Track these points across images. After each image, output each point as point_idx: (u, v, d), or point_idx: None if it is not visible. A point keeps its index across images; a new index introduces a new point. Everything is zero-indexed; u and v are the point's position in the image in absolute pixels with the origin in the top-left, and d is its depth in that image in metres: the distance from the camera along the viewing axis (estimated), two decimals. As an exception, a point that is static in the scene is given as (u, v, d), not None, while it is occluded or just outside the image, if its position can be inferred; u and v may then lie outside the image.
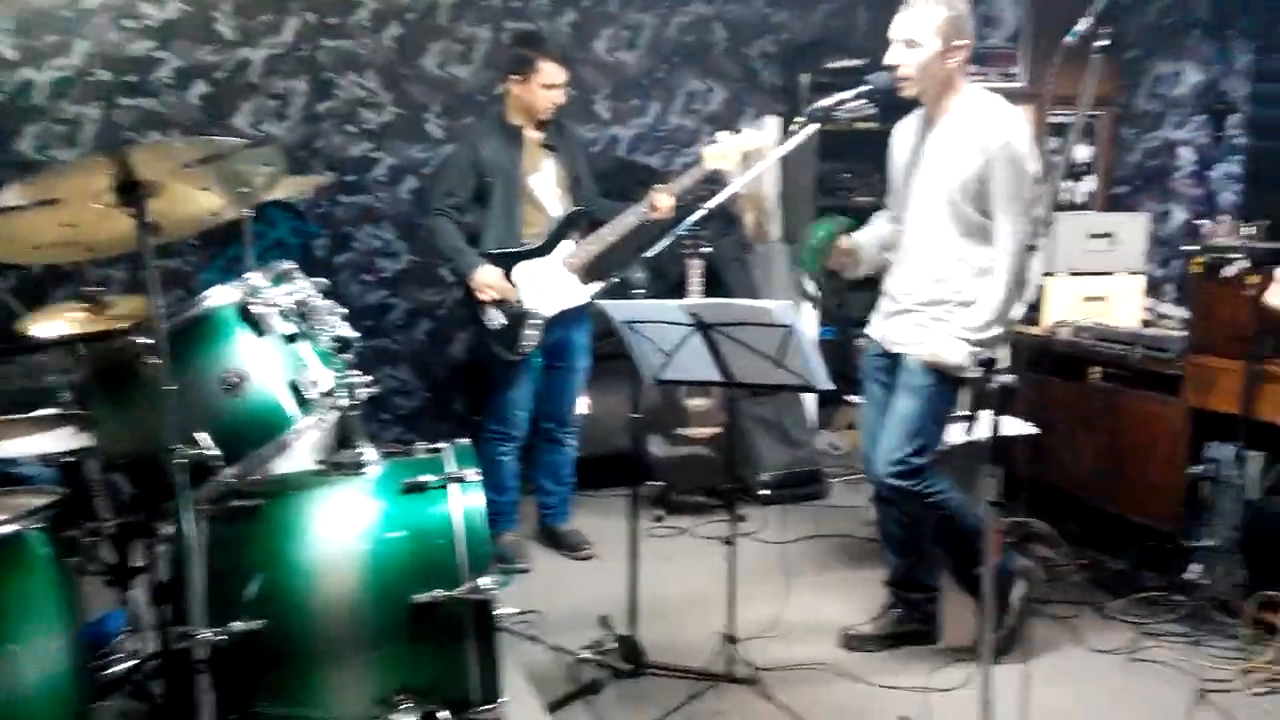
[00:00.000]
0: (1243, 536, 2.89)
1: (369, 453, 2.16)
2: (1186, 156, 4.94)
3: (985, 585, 1.95)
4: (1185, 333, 3.28)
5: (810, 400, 4.57)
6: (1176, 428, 3.16)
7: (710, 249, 3.64)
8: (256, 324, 2.08)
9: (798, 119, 2.72)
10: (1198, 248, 3.22)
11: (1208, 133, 4.86)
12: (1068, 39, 1.77)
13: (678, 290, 3.76)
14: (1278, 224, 3.19)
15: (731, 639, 2.65)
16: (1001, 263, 2.54)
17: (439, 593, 1.97)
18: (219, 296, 2.08)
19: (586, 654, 2.70)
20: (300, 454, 2.23)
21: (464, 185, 3.40)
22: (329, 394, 2.11)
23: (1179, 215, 4.92)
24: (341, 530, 2.02)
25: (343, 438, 2.25)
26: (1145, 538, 3.30)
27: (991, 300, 2.55)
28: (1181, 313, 3.78)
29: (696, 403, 4.03)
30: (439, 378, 4.85)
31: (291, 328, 2.13)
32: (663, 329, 2.51)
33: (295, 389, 2.08)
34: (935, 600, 2.90)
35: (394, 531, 2.04)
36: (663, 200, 3.37)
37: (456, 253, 3.38)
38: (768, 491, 4.16)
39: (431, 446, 2.29)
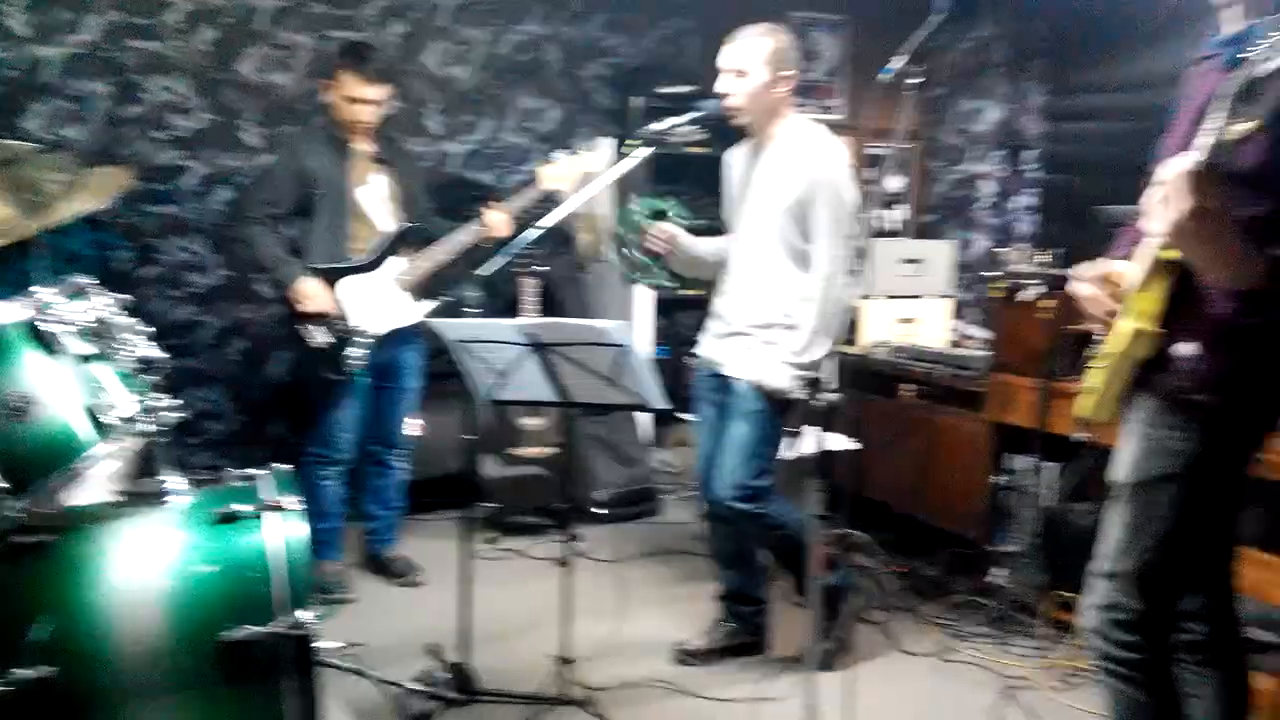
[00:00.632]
0: (1039, 541, 3.11)
1: (175, 481, 2.00)
2: (987, 189, 5.32)
3: (811, 594, 2.01)
4: (987, 353, 3.51)
5: (644, 418, 4.61)
6: (980, 441, 3.37)
7: (544, 268, 3.62)
8: (47, 343, 1.91)
9: (631, 141, 2.75)
10: (998, 274, 3.45)
11: (1006, 167, 5.25)
12: (883, 76, 1.86)
13: (512, 309, 3.72)
14: (1069, 252, 3.47)
15: (565, 661, 2.62)
16: (819, 287, 2.64)
17: (251, 629, 1.84)
18: (4, 313, 1.90)
19: (415, 685, 2.60)
20: (96, 484, 2.05)
21: (286, 195, 3.24)
22: (130, 419, 1.96)
23: (981, 243, 5.29)
24: (143, 566, 1.86)
25: (146, 466, 2.09)
26: (954, 544, 3.51)
27: (810, 324, 2.65)
28: (984, 334, 4.05)
29: (531, 422, 3.99)
30: (255, 399, 4.60)
31: (88, 347, 1.96)
32: (497, 348, 2.47)
33: (91, 414, 1.91)
34: (764, 612, 2.98)
35: (203, 565, 1.90)
36: (496, 218, 3.32)
37: (276, 262, 3.21)
38: (603, 510, 4.16)
39: (246, 473, 2.15)
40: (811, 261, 2.67)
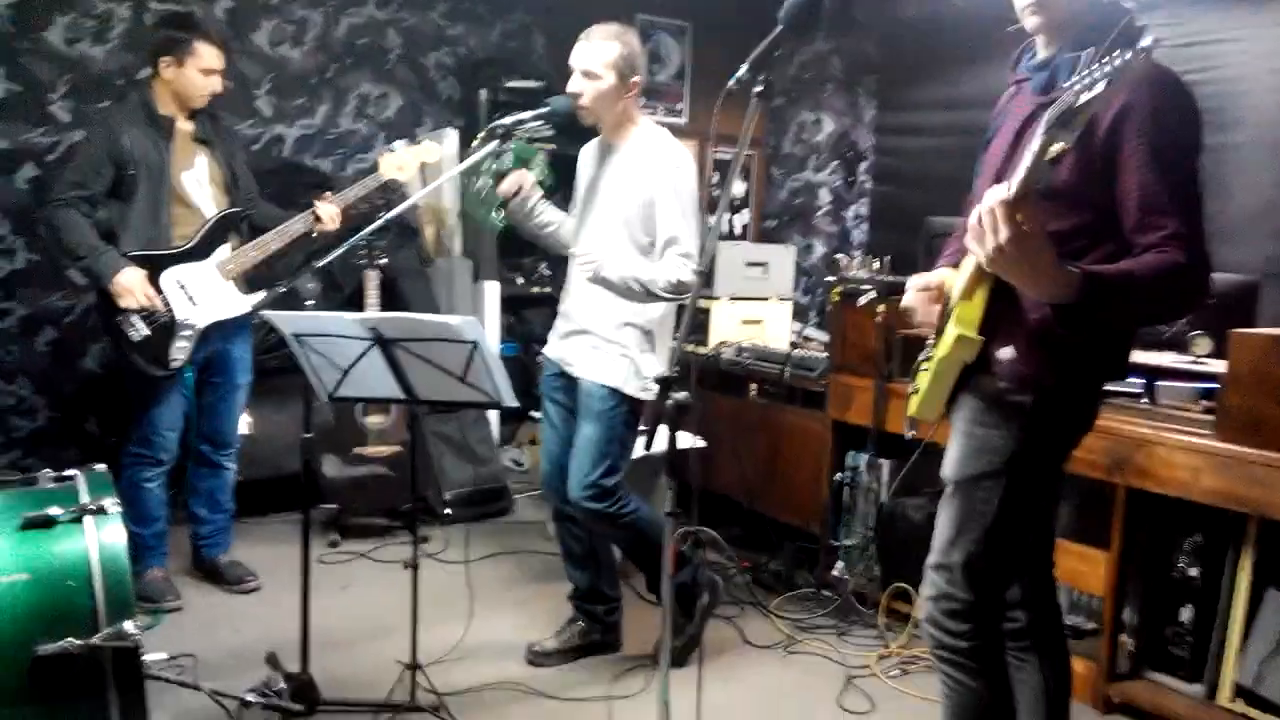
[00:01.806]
0: (876, 535, 3.26)
1: (-22, 484, 1.82)
2: (825, 197, 5.53)
3: (665, 592, 2.02)
4: (827, 354, 3.65)
5: (493, 416, 4.55)
6: (822, 439, 3.50)
7: (387, 260, 3.50)
8: None
9: (480, 135, 2.70)
10: (835, 279, 3.59)
11: (842, 177, 5.48)
12: (730, 84, 1.90)
13: (353, 303, 3.58)
14: (898, 259, 3.65)
15: (414, 666, 2.54)
16: (675, 264, 2.62)
17: (70, 642, 1.70)
18: None
19: (251, 697, 2.45)
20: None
21: (99, 176, 3.00)
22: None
23: (819, 248, 5.50)
24: (-57, 577, 1.69)
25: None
26: (798, 539, 3.63)
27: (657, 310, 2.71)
28: (824, 336, 4.21)
29: (375, 420, 3.85)
30: (66, 394, 4.24)
31: None
32: (338, 343, 2.36)
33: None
34: (616, 610, 2.98)
35: (12, 574, 1.74)
36: (327, 210, 3.18)
37: (90, 250, 2.96)
38: (451, 510, 4.07)
39: (60, 474, 1.98)
40: (663, 248, 2.68)
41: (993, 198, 1.54)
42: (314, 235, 3.20)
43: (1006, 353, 1.78)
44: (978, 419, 1.84)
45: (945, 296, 1.93)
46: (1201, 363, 2.73)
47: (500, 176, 2.76)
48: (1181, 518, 2.62)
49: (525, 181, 2.78)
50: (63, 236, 2.98)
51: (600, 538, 2.88)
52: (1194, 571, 2.62)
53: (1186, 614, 2.64)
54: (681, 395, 2.00)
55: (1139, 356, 2.69)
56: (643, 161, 2.68)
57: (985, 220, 1.55)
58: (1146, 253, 1.62)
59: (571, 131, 2.89)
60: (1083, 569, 2.72)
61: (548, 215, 2.86)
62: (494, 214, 2.81)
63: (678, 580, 2.79)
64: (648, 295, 2.63)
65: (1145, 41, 1.41)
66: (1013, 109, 1.88)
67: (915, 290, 1.98)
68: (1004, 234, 1.52)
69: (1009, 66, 1.94)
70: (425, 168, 3.55)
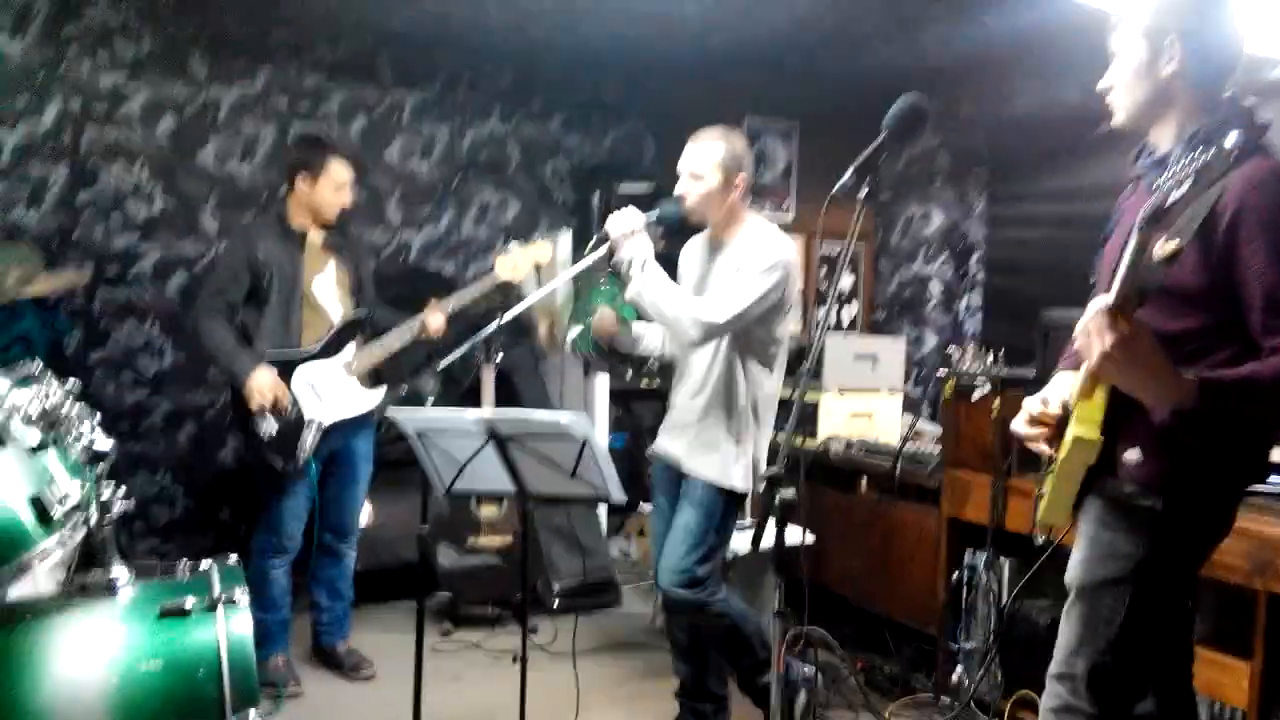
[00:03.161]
0: (998, 639, 3.11)
1: (120, 573, 1.94)
2: (935, 289, 5.47)
3: (773, 694, 1.98)
4: (940, 448, 3.57)
5: (602, 508, 4.58)
6: (936, 536, 3.40)
7: (503, 357, 3.62)
8: (-5, 431, 1.86)
9: (595, 239, 2.80)
10: (948, 371, 3.53)
11: (952, 268, 5.43)
12: (834, 192, 1.94)
13: (470, 398, 3.70)
14: (1013, 352, 3.57)
15: (521, 764, 2.54)
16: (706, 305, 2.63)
17: (198, 730, 1.77)
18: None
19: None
20: (40, 577, 1.97)
21: (237, 284, 3.23)
22: (77, 509, 1.90)
23: (931, 339, 5.41)
24: (86, 663, 1.79)
25: (89, 556, 2.02)
26: (913, 640, 3.49)
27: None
28: (936, 429, 4.11)
29: (487, 511, 3.94)
30: (203, 485, 4.49)
31: (37, 436, 1.91)
32: (455, 439, 2.46)
33: (38, 505, 1.85)
34: (723, 711, 2.92)
35: (148, 662, 1.83)
36: (434, 320, 3.34)
37: (228, 355, 3.18)
38: (561, 601, 4.09)
39: (195, 565, 2.09)
40: (770, 360, 2.72)
41: (1095, 305, 1.52)
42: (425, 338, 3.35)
43: (1133, 455, 1.71)
44: (1104, 522, 1.78)
45: (1054, 421, 1.88)
46: (1347, 460, 2.56)
47: (595, 333, 2.91)
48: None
49: (613, 323, 2.89)
50: (205, 340, 3.22)
51: (700, 630, 2.85)
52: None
53: (1343, 732, 2.42)
54: (789, 492, 1.99)
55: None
56: (754, 255, 2.73)
57: (1091, 326, 1.52)
58: (1274, 355, 1.56)
59: (682, 234, 2.97)
60: (1223, 680, 2.53)
61: (637, 331, 2.94)
62: (603, 356, 2.97)
63: (764, 681, 2.73)
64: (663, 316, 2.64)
65: (1230, 140, 1.39)
66: (1129, 206, 1.85)
67: (1027, 420, 1.91)
68: (1109, 340, 1.50)
69: (1129, 162, 1.92)
70: (540, 268, 3.69)
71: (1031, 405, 1.92)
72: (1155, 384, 1.54)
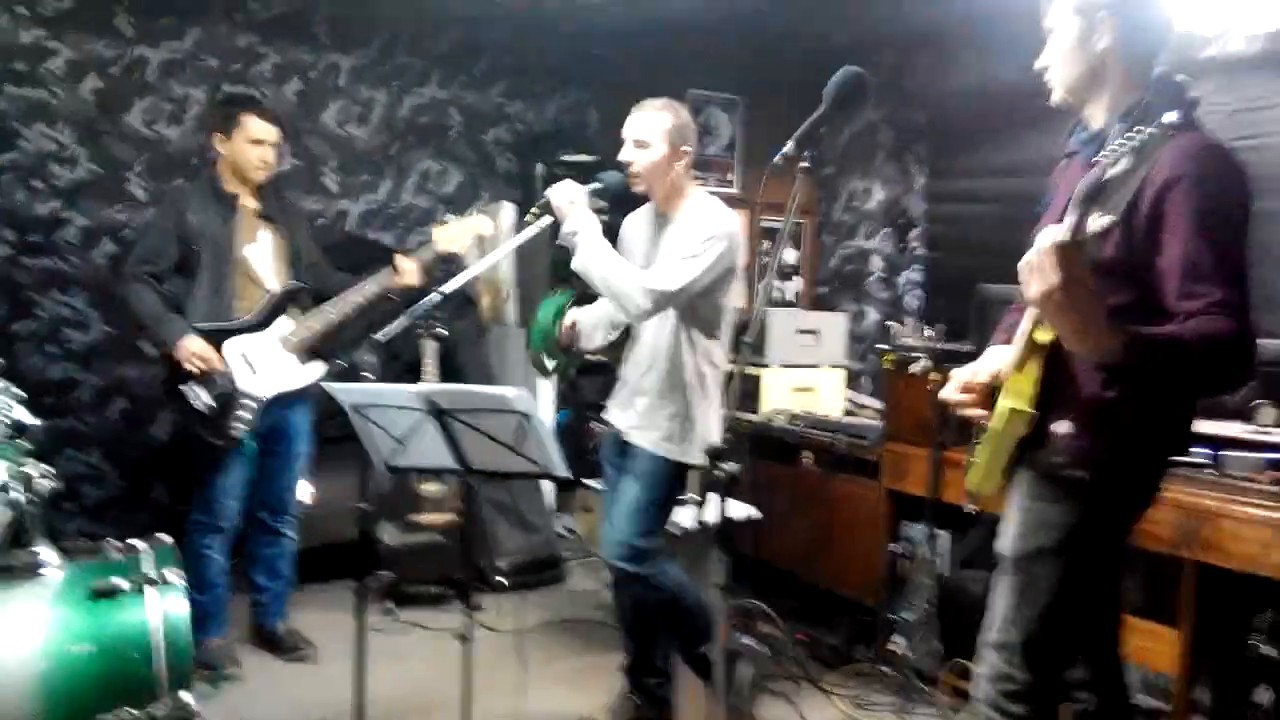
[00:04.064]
0: (936, 610, 3.18)
1: (48, 554, 1.88)
2: (877, 264, 5.52)
3: (716, 667, 2.00)
4: (881, 422, 3.62)
5: (547, 484, 4.56)
6: (877, 509, 3.45)
7: (445, 332, 3.57)
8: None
9: (534, 209, 2.76)
10: (889, 347, 3.58)
11: (893, 243, 5.48)
12: (775, 161, 1.93)
13: (411, 373, 3.64)
14: (953, 326, 3.63)
15: (464, 740, 2.53)
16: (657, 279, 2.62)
17: (130, 712, 1.73)
18: None
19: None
20: (-38, 558, 1.91)
21: (166, 252, 3.14)
22: (1, 488, 1.83)
23: (872, 315, 5.47)
24: (14, 645, 1.74)
25: (17, 536, 1.95)
26: (854, 612, 3.55)
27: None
28: (877, 404, 4.17)
29: (430, 489, 3.89)
30: (135, 462, 4.37)
31: (-44, 411, 1.84)
32: (395, 414, 2.42)
33: (-42, 482, 1.78)
34: (669, 684, 2.94)
35: (78, 645, 1.78)
36: (408, 265, 3.26)
37: (156, 320, 3.09)
38: (506, 579, 4.07)
39: (126, 545, 2.03)
40: (715, 328, 2.73)
41: (1047, 239, 1.53)
42: (373, 305, 3.28)
43: (1062, 427, 1.75)
44: (1034, 494, 1.81)
45: (985, 387, 1.91)
46: (1267, 432, 2.66)
47: (553, 336, 2.91)
48: (1256, 593, 2.52)
49: (569, 325, 2.90)
50: (132, 307, 3.12)
51: (646, 604, 2.86)
52: (1270, 650, 2.51)
53: (1264, 695, 2.52)
54: (732, 465, 2.00)
55: (1204, 426, 2.63)
56: (697, 229, 2.72)
57: (1039, 260, 1.54)
58: (1191, 319, 1.60)
59: (624, 204, 2.95)
60: (1152, 647, 2.62)
61: (595, 313, 2.94)
62: (574, 363, 2.99)
63: (705, 652, 2.76)
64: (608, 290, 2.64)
65: (1169, 117, 1.42)
66: (1064, 182, 1.88)
67: (959, 388, 1.95)
68: (1057, 277, 1.52)
69: (1064, 139, 1.95)
70: (482, 239, 3.64)
71: (962, 374, 1.96)
72: (1087, 332, 1.57)
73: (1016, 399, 1.76)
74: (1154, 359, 1.60)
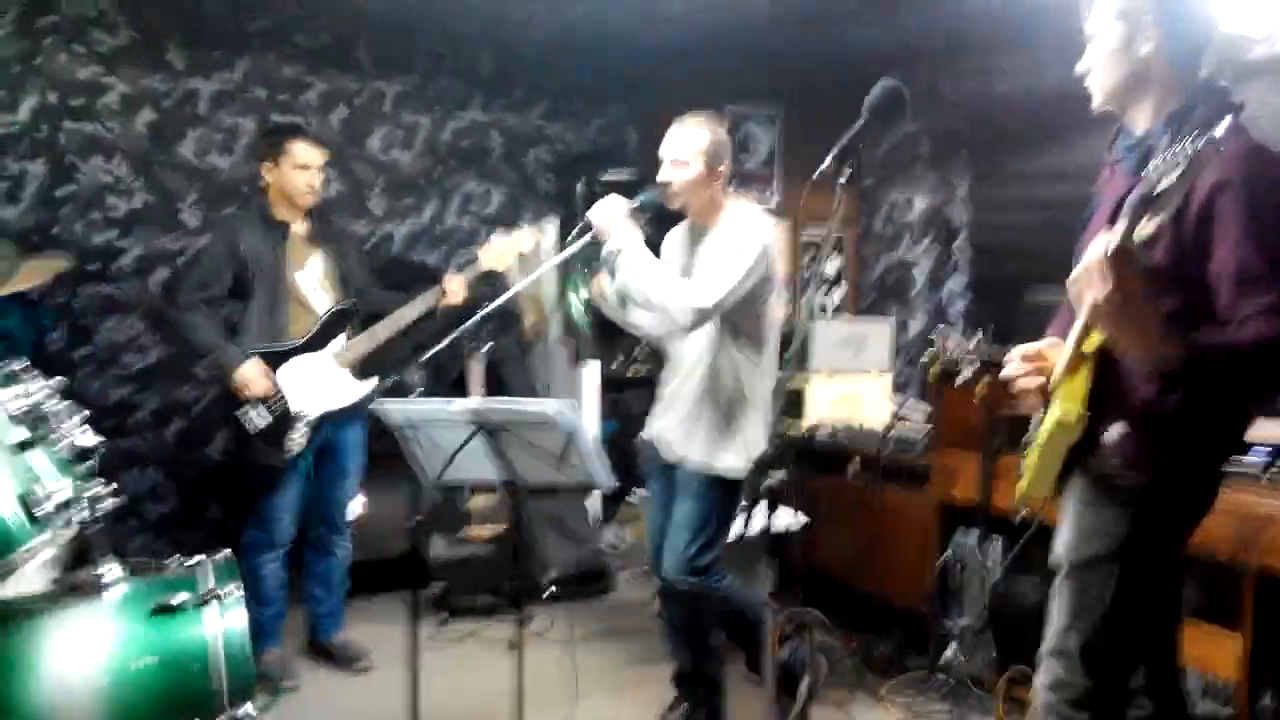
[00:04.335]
0: (990, 617, 3.14)
1: (111, 570, 1.93)
2: (919, 273, 5.48)
3: (767, 675, 2.00)
4: (927, 429, 3.58)
5: (594, 495, 4.59)
6: (926, 517, 3.42)
7: (490, 347, 3.62)
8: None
9: (578, 228, 2.79)
10: (934, 353, 3.54)
11: (936, 253, 5.43)
12: (814, 176, 1.93)
13: (457, 389, 3.70)
14: (999, 331, 3.58)
15: (519, 751, 2.55)
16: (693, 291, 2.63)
17: (193, 725, 1.77)
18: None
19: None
20: (30, 576, 1.96)
21: (219, 279, 3.21)
22: (65, 506, 1.89)
23: (916, 325, 5.43)
24: (78, 662, 1.78)
25: (81, 554, 2.01)
26: (906, 620, 3.51)
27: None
28: (924, 411, 4.13)
29: (478, 502, 3.94)
30: (193, 481, 4.47)
31: (22, 434, 1.89)
32: (442, 430, 2.45)
33: (25, 504, 1.84)
34: (720, 694, 2.93)
35: (141, 659, 1.83)
36: (455, 284, 3.33)
37: (212, 348, 3.17)
38: (554, 589, 4.10)
39: (186, 562, 2.08)
40: (759, 343, 2.73)
41: (1095, 249, 1.52)
42: (421, 323, 3.33)
43: (1114, 432, 1.73)
44: (1088, 500, 1.79)
45: (1049, 370, 1.89)
46: (1327, 433, 2.59)
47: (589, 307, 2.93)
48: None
49: (600, 289, 2.90)
50: (188, 335, 3.20)
51: (701, 616, 2.86)
52: (1337, 656, 2.44)
53: (1331, 702, 2.45)
54: (778, 476, 2.00)
55: (1262, 429, 2.57)
56: (730, 242, 2.73)
57: (1091, 270, 1.53)
58: (1247, 324, 1.58)
59: (665, 220, 2.97)
60: (1213, 652, 2.56)
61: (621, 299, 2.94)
62: (588, 313, 2.99)
63: (780, 661, 2.74)
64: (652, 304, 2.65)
65: (1219, 131, 1.40)
66: (1108, 190, 1.86)
67: (1020, 358, 1.92)
68: (1110, 286, 1.50)
69: (1106, 145, 1.93)
70: (524, 257, 3.68)
71: (1022, 349, 1.92)
72: (1146, 337, 1.55)
73: (1067, 403, 1.74)
74: (1209, 364, 1.58)
